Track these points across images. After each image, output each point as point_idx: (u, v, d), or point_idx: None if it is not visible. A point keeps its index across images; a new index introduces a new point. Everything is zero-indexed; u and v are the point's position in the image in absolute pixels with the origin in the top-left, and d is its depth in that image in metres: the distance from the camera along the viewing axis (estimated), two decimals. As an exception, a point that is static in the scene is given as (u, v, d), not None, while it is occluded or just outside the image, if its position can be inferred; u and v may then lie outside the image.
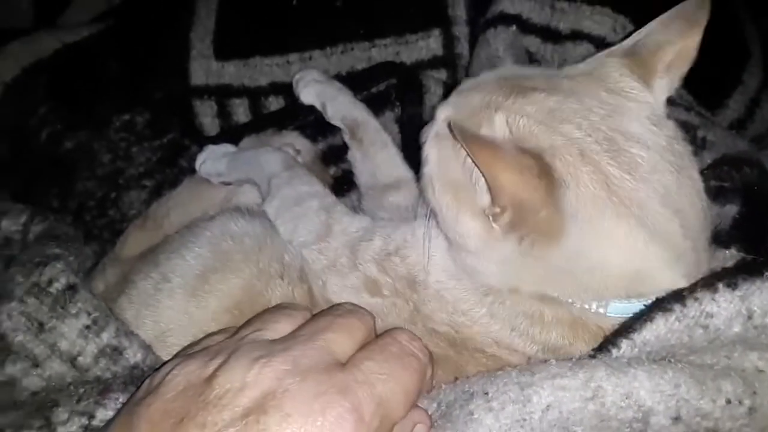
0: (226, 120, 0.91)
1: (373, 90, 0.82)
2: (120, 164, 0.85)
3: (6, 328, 0.56)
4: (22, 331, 0.56)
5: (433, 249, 0.56)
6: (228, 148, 0.78)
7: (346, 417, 0.36)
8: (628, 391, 0.41)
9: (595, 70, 0.53)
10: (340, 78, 0.85)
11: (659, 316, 0.45)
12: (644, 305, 0.47)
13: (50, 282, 0.58)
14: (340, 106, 0.78)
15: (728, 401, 0.41)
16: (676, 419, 0.41)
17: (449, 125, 0.49)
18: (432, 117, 0.57)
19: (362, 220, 0.64)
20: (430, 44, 0.87)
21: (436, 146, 0.54)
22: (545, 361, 0.46)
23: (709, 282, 0.45)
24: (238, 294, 0.60)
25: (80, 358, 0.56)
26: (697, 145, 0.65)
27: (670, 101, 0.53)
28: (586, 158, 0.46)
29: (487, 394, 0.43)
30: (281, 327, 0.43)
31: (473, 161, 0.46)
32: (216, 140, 0.81)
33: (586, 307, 0.49)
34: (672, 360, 0.43)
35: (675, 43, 0.52)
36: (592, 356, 0.46)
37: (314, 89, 0.80)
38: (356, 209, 0.73)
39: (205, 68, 0.91)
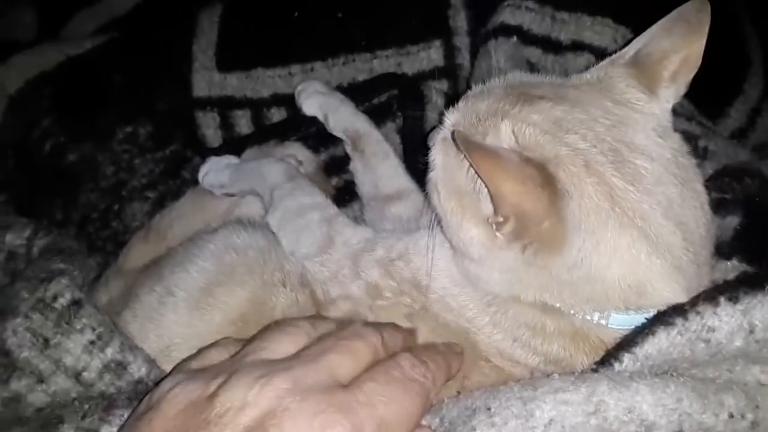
0: (229, 131, 0.91)
1: (375, 101, 0.82)
2: (123, 176, 0.85)
3: (11, 344, 0.56)
4: (27, 347, 0.56)
5: (438, 256, 0.56)
6: (230, 159, 0.78)
7: None
8: (631, 405, 0.41)
9: (601, 80, 0.53)
10: (341, 89, 0.85)
11: (661, 330, 0.44)
12: (646, 318, 0.47)
13: (55, 297, 0.58)
14: (342, 117, 0.78)
15: (731, 415, 0.41)
16: (679, 433, 0.40)
17: (452, 134, 0.49)
18: (439, 123, 0.56)
19: (364, 231, 0.64)
20: (431, 55, 0.87)
21: (442, 151, 0.54)
22: (547, 374, 0.46)
23: (711, 295, 0.45)
24: (243, 306, 0.60)
25: (85, 374, 0.56)
26: (699, 155, 0.64)
27: (671, 111, 0.53)
28: (590, 169, 0.46)
29: (489, 409, 0.43)
30: (283, 347, 0.44)
31: (475, 171, 0.46)
32: (218, 152, 0.81)
33: (588, 318, 0.49)
34: (674, 374, 0.43)
35: (679, 51, 0.52)
36: (594, 370, 0.46)
37: (316, 100, 0.80)
38: (358, 220, 0.73)
39: (207, 80, 0.91)
